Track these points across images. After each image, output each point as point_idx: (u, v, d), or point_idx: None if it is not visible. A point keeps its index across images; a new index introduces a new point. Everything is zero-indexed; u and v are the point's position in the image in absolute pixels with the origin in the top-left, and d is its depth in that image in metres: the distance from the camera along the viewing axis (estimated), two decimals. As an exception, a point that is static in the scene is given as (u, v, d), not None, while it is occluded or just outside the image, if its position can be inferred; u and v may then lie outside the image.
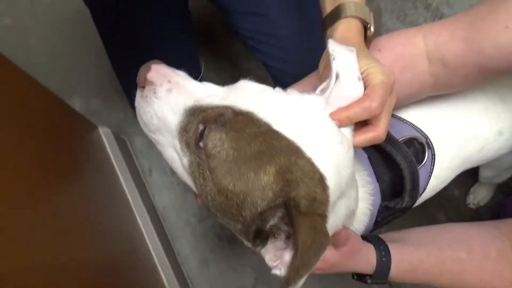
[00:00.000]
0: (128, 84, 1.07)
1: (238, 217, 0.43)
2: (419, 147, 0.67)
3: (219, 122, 0.42)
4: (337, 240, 0.55)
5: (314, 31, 0.66)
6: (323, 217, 0.41)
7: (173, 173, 1.28)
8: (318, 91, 0.49)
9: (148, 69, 0.47)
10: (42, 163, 0.78)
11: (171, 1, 0.98)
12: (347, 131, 0.49)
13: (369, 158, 0.66)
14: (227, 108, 0.43)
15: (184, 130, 0.46)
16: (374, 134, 0.50)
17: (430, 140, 0.69)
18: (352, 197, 0.50)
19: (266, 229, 0.44)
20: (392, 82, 0.50)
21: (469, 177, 1.26)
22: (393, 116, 0.72)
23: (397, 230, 0.72)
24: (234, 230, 0.47)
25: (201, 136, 0.43)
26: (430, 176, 0.70)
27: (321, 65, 0.57)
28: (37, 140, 0.81)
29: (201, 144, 0.43)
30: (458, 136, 0.71)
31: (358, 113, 0.47)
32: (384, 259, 0.63)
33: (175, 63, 0.50)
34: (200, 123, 0.44)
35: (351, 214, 0.51)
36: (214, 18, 1.33)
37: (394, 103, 0.53)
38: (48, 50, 1.29)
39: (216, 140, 0.42)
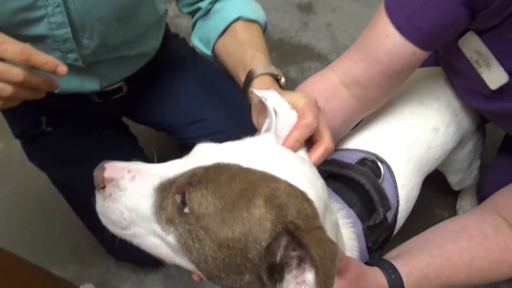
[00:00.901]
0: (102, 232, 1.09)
1: (244, 264, 0.42)
2: (372, 164, 0.72)
3: (194, 183, 0.44)
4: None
5: (245, 119, 0.76)
6: (322, 229, 0.43)
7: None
8: (263, 132, 0.55)
9: (103, 169, 0.48)
10: None
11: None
12: (303, 154, 0.53)
13: (333, 190, 0.69)
14: (195, 168, 0.45)
15: (160, 209, 0.46)
16: (324, 147, 0.55)
17: (379, 156, 0.74)
18: (332, 209, 0.52)
19: (278, 262, 0.43)
20: (315, 100, 0.57)
21: (451, 197, 1.29)
22: (340, 149, 0.78)
23: (394, 249, 0.71)
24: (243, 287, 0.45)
25: (182, 203, 0.44)
26: (396, 187, 0.73)
27: (254, 117, 0.64)
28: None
29: (186, 210, 0.44)
30: (402, 143, 0.78)
31: (301, 132, 0.52)
32: (393, 276, 0.62)
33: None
34: (175, 194, 0.45)
35: (336, 227, 0.52)
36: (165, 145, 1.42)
37: (326, 118, 0.58)
38: (14, 235, 1.29)
39: (199, 198, 0.43)
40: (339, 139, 0.79)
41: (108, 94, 0.95)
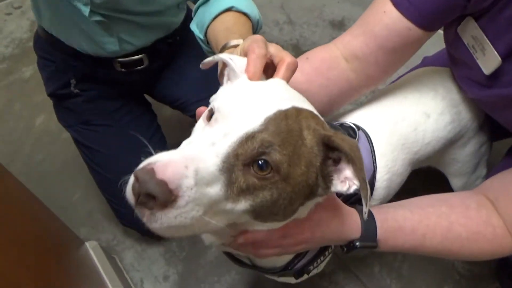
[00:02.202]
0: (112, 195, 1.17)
1: (305, 188, 0.48)
2: (348, 128, 0.75)
3: (266, 144, 0.44)
4: None
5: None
6: (338, 131, 0.52)
7: (165, 279, 1.25)
8: (225, 83, 0.60)
9: (161, 183, 0.40)
10: None
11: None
12: None
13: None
14: (252, 133, 0.45)
15: (230, 184, 0.44)
16: (285, 63, 0.57)
17: (358, 125, 0.77)
18: None
19: (326, 174, 0.51)
20: (260, 38, 0.59)
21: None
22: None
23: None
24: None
25: (260, 168, 0.44)
26: (373, 152, 0.75)
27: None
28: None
29: (263, 173, 0.45)
30: (388, 118, 0.81)
31: (254, 64, 0.55)
32: (367, 217, 0.64)
33: None
34: (252, 164, 0.45)
35: None
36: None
37: (280, 48, 0.60)
38: (38, 194, 1.40)
39: (277, 156, 0.44)
40: (335, 109, 0.83)
41: (130, 65, 1.06)
